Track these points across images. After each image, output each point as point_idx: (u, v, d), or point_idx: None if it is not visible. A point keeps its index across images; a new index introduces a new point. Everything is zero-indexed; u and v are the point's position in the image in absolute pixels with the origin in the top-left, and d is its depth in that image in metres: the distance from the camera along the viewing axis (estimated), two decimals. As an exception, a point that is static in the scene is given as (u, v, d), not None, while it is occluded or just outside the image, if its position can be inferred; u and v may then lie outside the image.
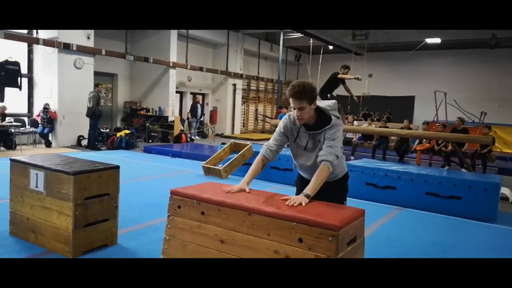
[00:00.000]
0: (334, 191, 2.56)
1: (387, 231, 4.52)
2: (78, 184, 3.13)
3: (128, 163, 8.18)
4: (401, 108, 17.41)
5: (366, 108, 15.89)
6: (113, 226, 3.49)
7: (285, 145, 2.65)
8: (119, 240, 3.56)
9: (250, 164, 7.87)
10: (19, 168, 3.51)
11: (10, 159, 3.62)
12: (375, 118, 14.26)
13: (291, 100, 2.35)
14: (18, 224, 3.53)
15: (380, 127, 10.42)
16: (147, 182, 6.45)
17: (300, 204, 2.16)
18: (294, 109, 2.37)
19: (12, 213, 3.59)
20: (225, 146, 7.70)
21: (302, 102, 2.32)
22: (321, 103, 2.50)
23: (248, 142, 7.59)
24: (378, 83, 17.51)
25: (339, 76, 7.81)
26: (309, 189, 2.28)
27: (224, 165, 6.93)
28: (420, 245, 4.10)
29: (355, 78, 7.86)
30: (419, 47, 15.50)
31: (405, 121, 10.33)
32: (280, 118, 12.95)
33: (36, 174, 3.33)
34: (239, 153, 7.09)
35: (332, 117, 2.45)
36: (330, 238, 1.88)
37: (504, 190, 6.21)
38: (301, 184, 2.71)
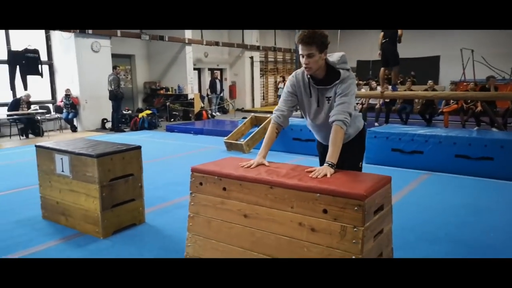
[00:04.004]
0: (348, 152, 2.36)
1: (416, 196, 4.41)
2: (102, 166, 3.17)
3: (151, 143, 8.28)
4: (426, 69, 16.77)
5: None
6: (140, 205, 3.54)
7: (296, 106, 2.50)
8: (146, 219, 3.62)
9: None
10: (45, 154, 3.58)
11: (36, 146, 3.70)
12: (398, 82, 13.79)
13: (300, 46, 2.21)
14: (49, 208, 3.64)
15: (404, 90, 10.07)
16: (170, 161, 6.51)
17: (325, 175, 2.10)
18: (303, 56, 2.22)
19: (43, 197, 3.69)
20: (245, 120, 7.65)
21: (311, 48, 2.17)
22: (330, 56, 2.32)
23: (268, 115, 7.50)
24: (399, 45, 16.85)
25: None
26: (331, 157, 2.18)
27: (246, 139, 6.90)
28: (450, 208, 3.99)
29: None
30: (443, 3, 14.71)
31: (429, 82, 9.91)
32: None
33: (61, 159, 3.39)
34: (260, 127, 7.03)
35: (341, 71, 2.28)
36: (356, 208, 1.82)
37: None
38: (322, 149, 2.59)
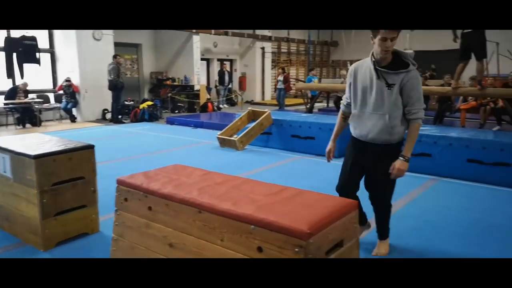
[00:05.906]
0: (383, 161, 2.44)
1: (417, 207, 3.85)
2: (42, 169, 2.75)
3: (143, 136, 7.91)
4: (447, 63, 15.82)
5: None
6: (93, 212, 3.12)
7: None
8: (102, 227, 3.20)
9: (268, 133, 7.10)
10: (-10, 151, 3.19)
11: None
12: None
13: (384, 30, 2.24)
14: (-5, 212, 3.26)
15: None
16: (155, 158, 6.08)
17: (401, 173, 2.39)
18: (385, 40, 2.24)
19: (-10, 199, 3.32)
20: (242, 114, 7.16)
21: (396, 31, 2.27)
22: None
23: (266, 110, 6.98)
24: (420, 37, 15.94)
25: None
26: (407, 151, 2.38)
27: (240, 135, 6.42)
28: (457, 224, 3.42)
29: None
30: (467, -8, 13.77)
31: (445, 76, 9.14)
32: (309, 81, 12.19)
33: (3, 158, 3.00)
34: (257, 122, 6.53)
35: (410, 64, 2.35)
36: (296, 249, 1.33)
37: None
38: (353, 148, 2.57)
